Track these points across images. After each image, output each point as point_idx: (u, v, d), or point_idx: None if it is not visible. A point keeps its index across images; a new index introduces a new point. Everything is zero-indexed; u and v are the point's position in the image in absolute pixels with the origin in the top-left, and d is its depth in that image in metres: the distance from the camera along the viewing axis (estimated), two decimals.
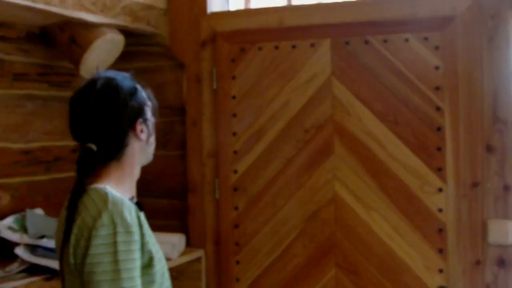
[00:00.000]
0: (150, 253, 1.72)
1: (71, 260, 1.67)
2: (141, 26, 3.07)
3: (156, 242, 1.83)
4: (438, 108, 2.81)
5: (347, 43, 2.94)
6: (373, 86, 2.90)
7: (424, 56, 2.83)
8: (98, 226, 1.61)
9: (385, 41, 2.88)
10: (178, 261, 3.02)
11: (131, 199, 1.80)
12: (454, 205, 2.79)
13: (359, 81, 2.92)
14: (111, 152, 1.79)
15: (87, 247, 1.62)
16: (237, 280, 3.12)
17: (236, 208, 3.12)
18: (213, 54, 3.17)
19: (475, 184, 2.77)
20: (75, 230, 1.67)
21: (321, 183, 2.98)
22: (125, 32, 3.04)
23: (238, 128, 3.12)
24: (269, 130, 3.07)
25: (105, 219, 1.62)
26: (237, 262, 3.12)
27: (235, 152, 3.12)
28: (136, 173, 1.87)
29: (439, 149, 2.81)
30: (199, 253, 3.16)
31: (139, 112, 1.83)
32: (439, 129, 2.81)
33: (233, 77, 3.12)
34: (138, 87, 1.87)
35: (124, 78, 1.85)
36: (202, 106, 3.20)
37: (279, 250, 3.05)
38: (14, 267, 2.56)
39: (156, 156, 3.23)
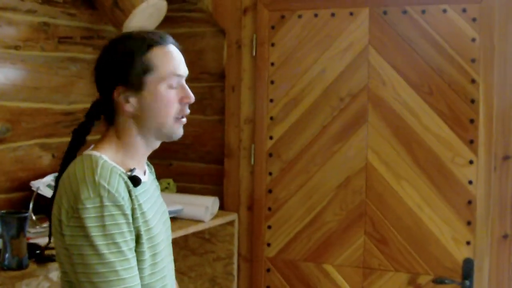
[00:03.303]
0: (138, 229, 1.75)
1: (57, 227, 1.73)
2: None
3: (157, 220, 1.88)
4: (473, 81, 2.94)
5: (385, 12, 3.09)
6: (409, 56, 3.05)
7: (461, 27, 2.95)
8: (84, 199, 1.65)
9: (423, 11, 3.01)
10: (211, 223, 3.24)
11: (131, 171, 1.81)
12: (484, 178, 2.93)
13: (396, 51, 3.07)
14: (102, 112, 1.88)
15: (73, 219, 1.67)
16: (268, 244, 3.34)
17: (270, 174, 3.34)
18: (254, 21, 3.36)
19: (506, 158, 2.89)
20: (59, 199, 1.73)
21: (354, 151, 3.16)
22: None
23: (275, 94, 3.32)
24: (305, 97, 3.25)
25: (91, 191, 1.66)
26: (269, 227, 3.34)
27: (271, 118, 3.32)
28: (138, 144, 1.87)
29: (472, 121, 2.95)
30: (232, 216, 3.38)
31: (120, 77, 1.81)
32: (473, 101, 2.94)
33: (272, 44, 3.31)
34: (139, 49, 1.81)
35: (135, 39, 1.83)
36: (242, 72, 3.41)
37: (310, 217, 3.25)
38: None
39: (194, 120, 3.53)
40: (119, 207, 1.69)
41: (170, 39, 1.91)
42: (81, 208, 1.65)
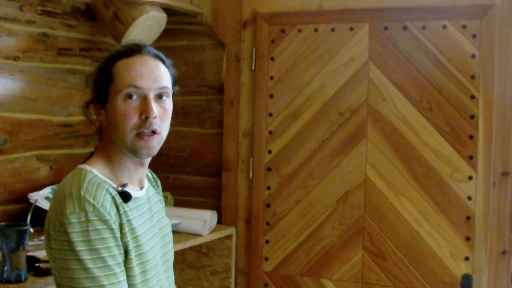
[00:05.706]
0: (126, 245, 1.74)
1: (46, 241, 1.73)
2: (184, 5, 3.31)
3: (151, 236, 1.86)
4: (472, 97, 2.98)
5: (385, 28, 3.13)
6: (409, 72, 3.09)
7: (461, 44, 3.00)
8: (69, 213, 1.65)
9: (423, 27, 3.06)
10: (209, 237, 3.26)
11: (123, 186, 1.80)
12: (483, 194, 2.97)
13: (396, 67, 3.11)
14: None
15: (59, 233, 1.67)
16: (266, 259, 3.36)
17: (268, 188, 3.37)
18: (253, 35, 3.40)
19: (505, 174, 2.93)
20: (50, 212, 1.73)
21: (352, 166, 3.19)
22: (168, 10, 3.28)
23: (274, 108, 3.35)
24: (305, 112, 3.29)
25: (76, 205, 1.66)
26: (267, 241, 3.37)
27: (270, 132, 3.36)
28: (122, 158, 1.83)
29: (471, 137, 2.99)
30: (230, 230, 3.41)
31: (92, 90, 1.84)
32: (472, 117, 2.98)
33: (272, 58, 3.35)
34: (107, 62, 1.82)
35: (111, 53, 1.86)
36: (240, 86, 3.44)
37: (308, 231, 3.28)
38: None
39: (192, 133, 3.56)
40: (105, 221, 1.68)
41: (145, 50, 1.83)
42: (67, 222, 1.65)
